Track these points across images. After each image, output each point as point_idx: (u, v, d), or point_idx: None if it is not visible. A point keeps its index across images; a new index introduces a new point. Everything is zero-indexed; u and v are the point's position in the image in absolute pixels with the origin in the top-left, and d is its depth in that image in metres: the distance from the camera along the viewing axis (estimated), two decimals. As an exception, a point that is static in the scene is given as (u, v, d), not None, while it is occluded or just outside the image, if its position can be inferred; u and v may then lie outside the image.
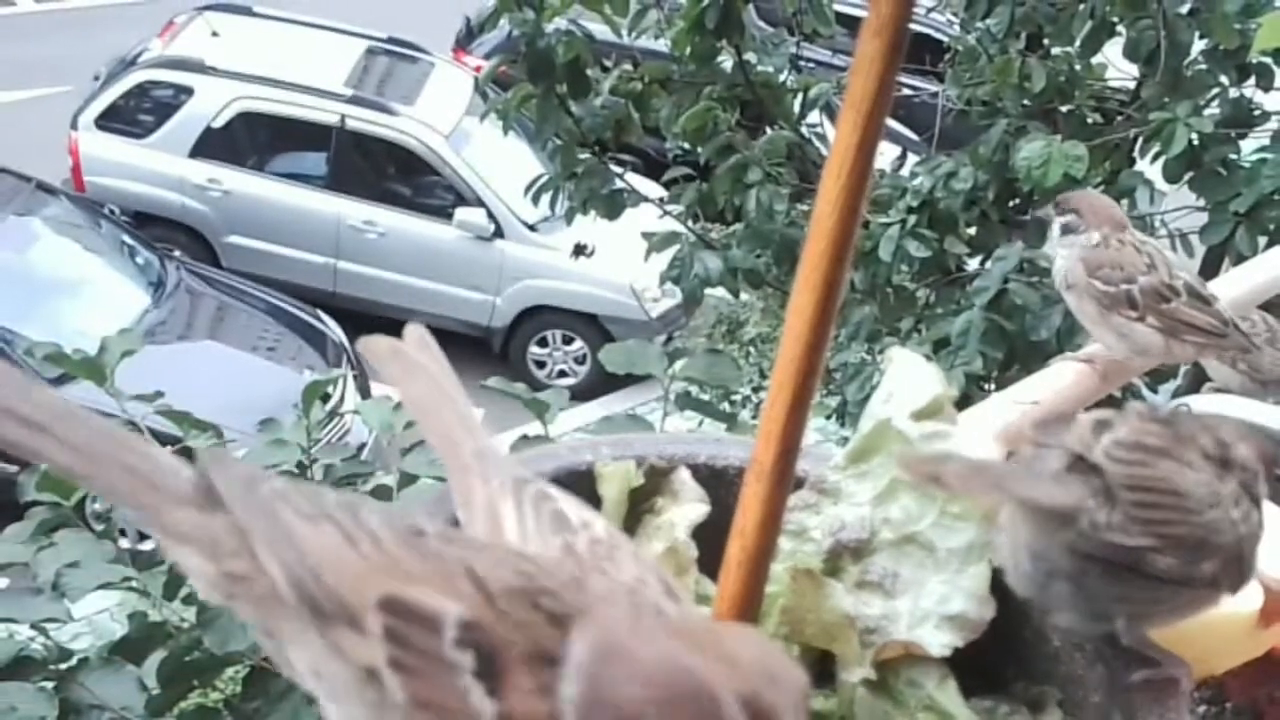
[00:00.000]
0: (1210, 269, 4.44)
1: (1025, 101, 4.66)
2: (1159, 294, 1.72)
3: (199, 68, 9.41)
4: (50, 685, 2.17)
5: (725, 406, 6.18)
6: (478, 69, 6.88)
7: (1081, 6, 4.57)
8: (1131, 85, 4.92)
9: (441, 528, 0.73)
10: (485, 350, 9.33)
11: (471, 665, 0.66)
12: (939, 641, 0.87)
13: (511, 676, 0.66)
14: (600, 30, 4.93)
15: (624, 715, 0.64)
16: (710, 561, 0.87)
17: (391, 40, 10.14)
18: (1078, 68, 4.74)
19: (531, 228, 9.20)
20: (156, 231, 9.19)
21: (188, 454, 2.22)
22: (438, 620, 0.67)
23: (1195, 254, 4.51)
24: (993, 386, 4.11)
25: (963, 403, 2.96)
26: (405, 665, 0.67)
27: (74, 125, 9.43)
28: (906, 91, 5.98)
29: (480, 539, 0.75)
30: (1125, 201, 4.59)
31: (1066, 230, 1.78)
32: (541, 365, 9.45)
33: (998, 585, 0.88)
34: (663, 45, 4.96)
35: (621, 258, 7.98)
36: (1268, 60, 4.51)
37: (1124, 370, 1.80)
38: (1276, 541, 0.94)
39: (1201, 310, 1.73)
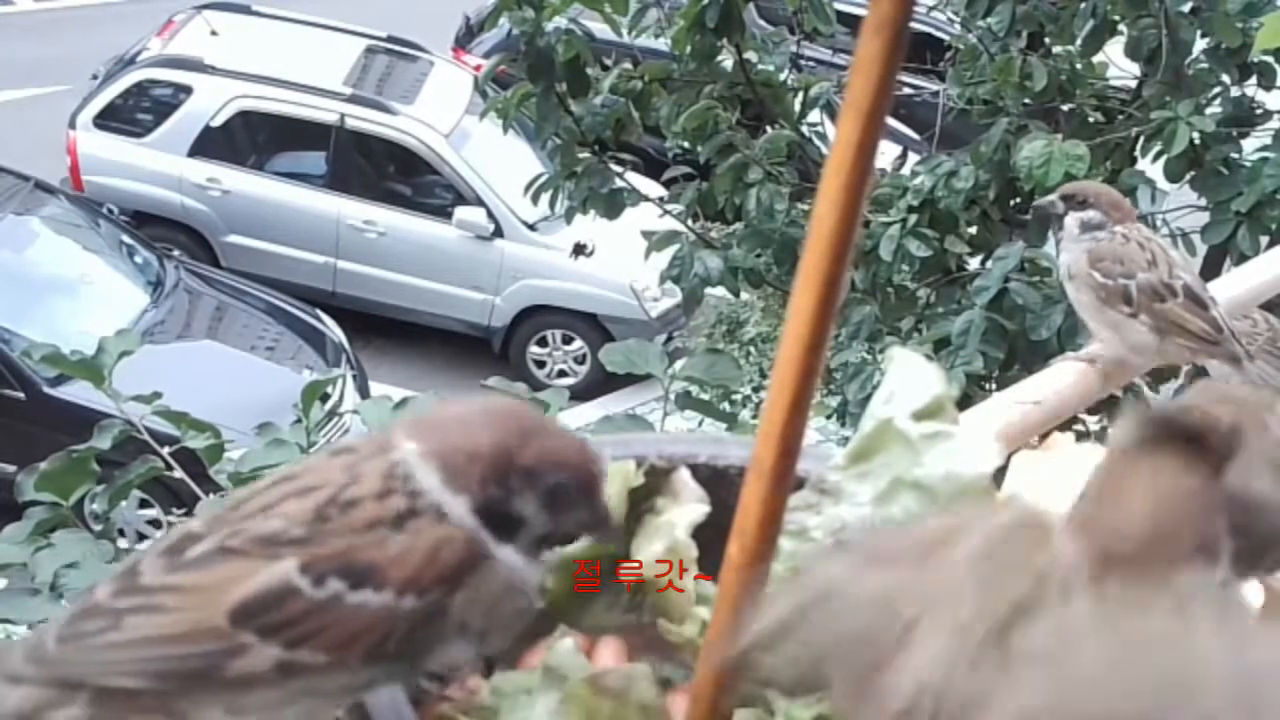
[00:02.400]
0: (1211, 268, 4.44)
1: (1026, 100, 4.66)
2: (1155, 292, 1.72)
3: (198, 67, 9.41)
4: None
5: (725, 406, 6.18)
6: (477, 68, 6.88)
7: (1083, 5, 4.56)
8: (1133, 84, 4.91)
9: (209, 520, 0.76)
10: (485, 350, 9.33)
11: (345, 586, 0.70)
12: (940, 642, 0.86)
13: (376, 567, 0.70)
14: (600, 29, 4.93)
15: (488, 442, 0.73)
16: (710, 561, 0.86)
17: (391, 39, 10.14)
18: (1079, 66, 4.74)
19: (531, 227, 9.20)
20: (155, 231, 9.19)
21: (188, 454, 2.20)
22: (286, 583, 0.71)
23: (1197, 253, 4.50)
24: (993, 386, 4.11)
25: (963, 402, 2.96)
26: (301, 635, 0.71)
27: (72, 124, 9.42)
28: (907, 90, 5.97)
29: (253, 504, 0.77)
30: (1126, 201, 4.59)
31: (1087, 227, 1.77)
32: (541, 365, 9.45)
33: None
34: (663, 44, 4.96)
35: (621, 257, 7.99)
36: (1269, 59, 4.51)
37: (1125, 370, 1.79)
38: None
39: (1196, 314, 1.72)
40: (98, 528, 2.34)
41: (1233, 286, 1.91)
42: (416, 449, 0.75)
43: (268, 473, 0.84)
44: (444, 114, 9.49)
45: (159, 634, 0.72)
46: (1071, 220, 1.78)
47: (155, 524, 7.17)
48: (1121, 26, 4.66)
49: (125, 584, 0.75)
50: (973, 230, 4.71)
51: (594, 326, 9.27)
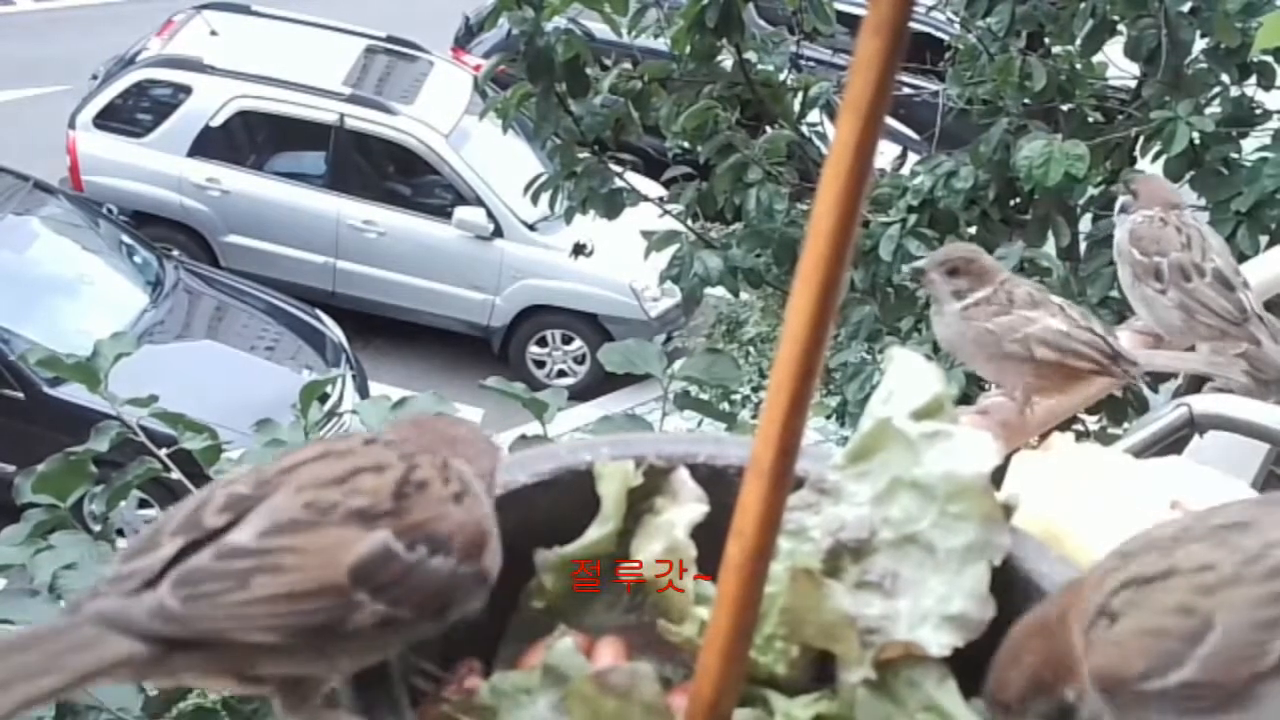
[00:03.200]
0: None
1: (1026, 100, 4.66)
2: (1184, 272, 1.79)
3: (197, 66, 9.41)
4: (48, 686, 2.16)
5: (725, 406, 6.18)
6: (477, 68, 6.88)
7: (1082, 5, 4.57)
8: (1132, 84, 4.92)
9: (254, 478, 0.83)
10: (484, 350, 9.34)
11: (426, 551, 0.82)
12: (939, 642, 0.86)
13: (447, 537, 0.82)
14: (600, 29, 4.93)
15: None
16: (710, 561, 0.86)
17: (390, 39, 10.14)
18: (1079, 66, 4.74)
19: (531, 227, 9.20)
20: (155, 231, 9.19)
21: (186, 455, 2.19)
22: (388, 551, 0.81)
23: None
24: (993, 386, 4.11)
25: (963, 402, 2.96)
26: (399, 595, 0.81)
27: (72, 124, 9.42)
28: (907, 90, 5.97)
29: (302, 474, 0.84)
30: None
31: (1123, 209, 1.89)
32: (541, 365, 9.45)
33: (998, 585, 0.88)
34: (662, 44, 4.96)
35: (621, 257, 7.99)
36: (1269, 59, 4.51)
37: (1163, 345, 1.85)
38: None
39: (1221, 294, 1.77)
40: (96, 529, 2.34)
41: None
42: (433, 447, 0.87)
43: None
44: (444, 114, 9.49)
45: (290, 591, 0.79)
46: (1122, 204, 1.90)
47: (155, 524, 7.16)
48: (1121, 26, 4.66)
49: (221, 546, 0.80)
50: (973, 230, 4.71)
51: (594, 326, 9.27)
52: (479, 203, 9.34)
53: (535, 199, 5.25)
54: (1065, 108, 4.77)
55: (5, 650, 0.76)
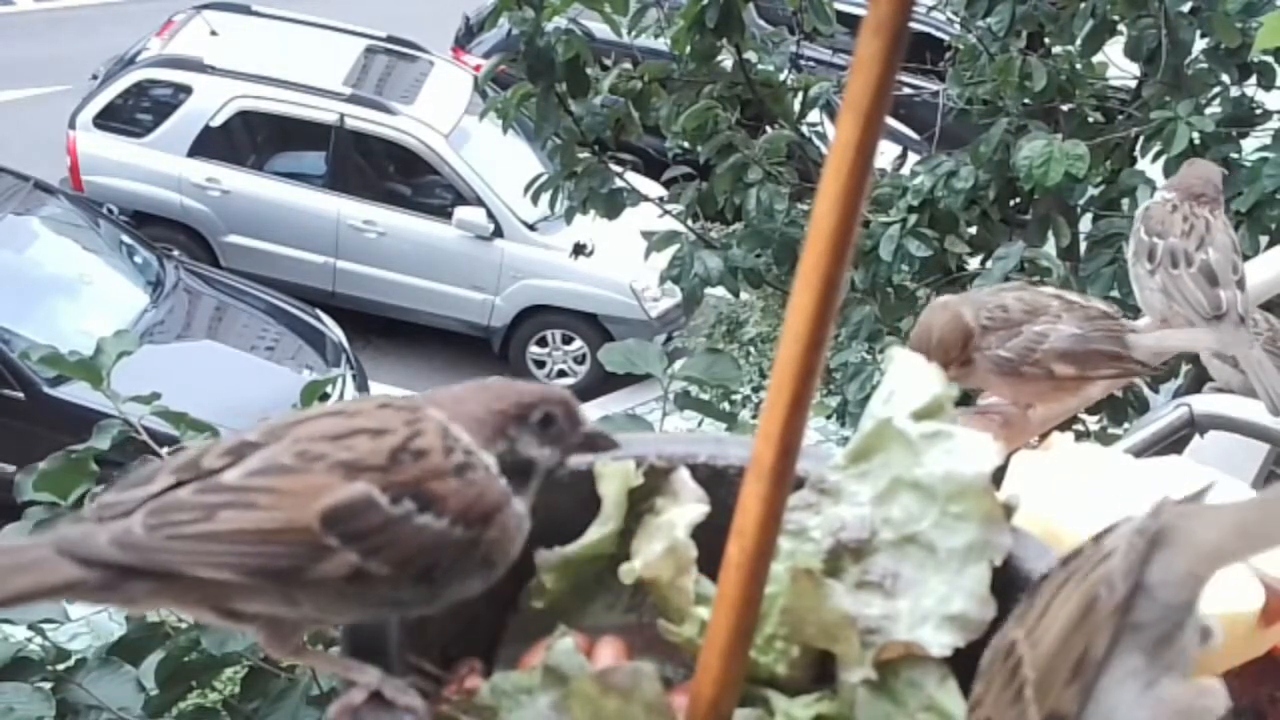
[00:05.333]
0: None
1: (1026, 100, 4.66)
2: (1174, 257, 1.78)
3: (197, 66, 9.41)
4: (48, 686, 2.16)
5: (725, 406, 6.18)
6: (477, 68, 6.88)
7: (1082, 5, 4.56)
8: (1133, 84, 4.91)
9: (263, 429, 0.83)
10: (485, 350, 9.34)
11: (414, 507, 0.80)
12: (939, 642, 0.86)
13: (439, 498, 0.81)
14: (600, 29, 4.93)
15: (484, 408, 0.86)
16: (710, 561, 0.86)
17: (391, 39, 10.14)
18: (1079, 66, 4.74)
19: (531, 227, 9.20)
20: (155, 231, 9.19)
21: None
22: (368, 501, 0.80)
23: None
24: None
25: (963, 402, 2.96)
26: (375, 546, 0.79)
27: (72, 124, 9.42)
28: (907, 90, 5.97)
29: (305, 428, 0.84)
30: (1126, 201, 4.59)
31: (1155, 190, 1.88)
32: (541, 365, 9.45)
33: (998, 585, 0.88)
34: (662, 44, 4.95)
35: (621, 257, 7.98)
36: (1269, 59, 4.51)
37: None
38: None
39: (1201, 288, 1.76)
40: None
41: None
42: (445, 416, 0.85)
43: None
44: (444, 114, 9.49)
45: (254, 528, 0.78)
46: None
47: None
48: (1121, 26, 4.66)
49: (203, 482, 0.80)
50: (973, 230, 4.71)
51: (594, 326, 9.27)
52: (479, 203, 9.34)
53: (535, 199, 5.25)
54: (1065, 108, 4.77)
55: None
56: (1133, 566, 0.76)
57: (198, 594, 0.80)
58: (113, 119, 9.44)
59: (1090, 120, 4.79)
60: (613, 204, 5.04)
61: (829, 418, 5.37)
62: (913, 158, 5.63)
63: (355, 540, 0.79)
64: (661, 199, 5.33)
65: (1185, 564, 0.76)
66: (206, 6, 10.06)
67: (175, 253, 9.03)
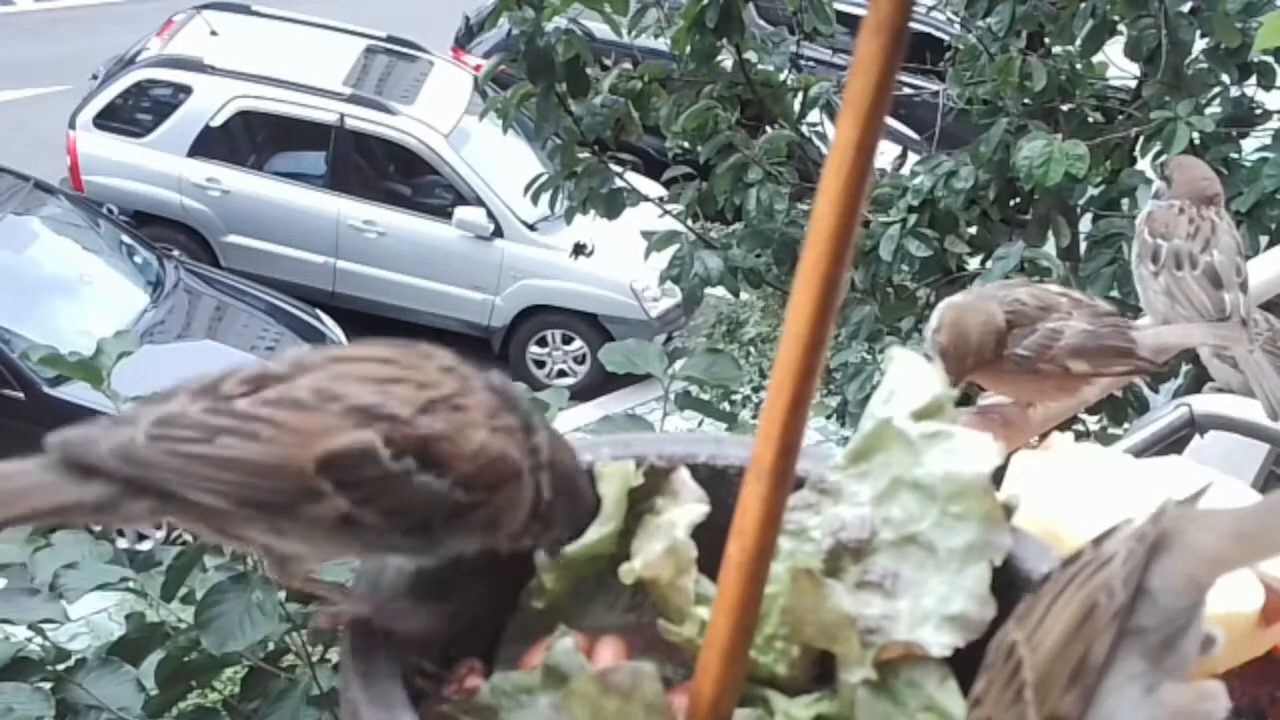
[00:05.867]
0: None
1: (1026, 100, 4.65)
2: (1178, 259, 1.77)
3: (197, 66, 9.41)
4: (48, 686, 2.17)
5: (725, 406, 6.18)
6: (477, 68, 6.88)
7: (1082, 5, 4.56)
8: (1132, 84, 4.91)
9: (283, 362, 0.83)
10: (485, 350, 9.33)
11: (415, 465, 0.79)
12: (940, 642, 0.86)
13: (448, 457, 0.80)
14: (600, 29, 4.93)
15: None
16: (710, 561, 0.86)
17: (391, 39, 10.14)
18: (1079, 66, 4.74)
19: (531, 227, 9.20)
20: (155, 231, 9.19)
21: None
22: (369, 451, 0.79)
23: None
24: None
25: (963, 402, 2.96)
26: (367, 496, 0.79)
27: (72, 124, 9.42)
28: (907, 90, 5.97)
29: (313, 360, 0.83)
30: (1126, 200, 4.59)
31: (1157, 194, 1.87)
32: (541, 365, 9.45)
33: (998, 585, 0.88)
34: (663, 44, 4.95)
35: (621, 257, 7.99)
36: (1269, 59, 4.51)
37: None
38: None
39: (1205, 290, 1.76)
40: (97, 528, 2.34)
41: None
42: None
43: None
44: (444, 114, 9.49)
45: (249, 459, 0.78)
46: (1154, 187, 1.90)
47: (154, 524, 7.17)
48: (1121, 26, 4.66)
49: (214, 403, 0.80)
50: (973, 230, 4.71)
51: (594, 326, 9.27)
52: (479, 203, 9.34)
53: (535, 199, 5.25)
54: (1065, 108, 4.76)
55: None
56: (1133, 573, 0.77)
57: (195, 515, 0.80)
58: (113, 119, 9.44)
59: (1090, 120, 4.79)
60: (613, 204, 5.04)
61: (829, 418, 5.38)
62: (913, 158, 5.63)
63: (348, 488, 0.79)
64: (661, 199, 5.33)
65: (1186, 570, 0.76)
66: (206, 6, 10.06)
67: (175, 253, 9.03)
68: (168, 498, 0.78)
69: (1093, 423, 4.37)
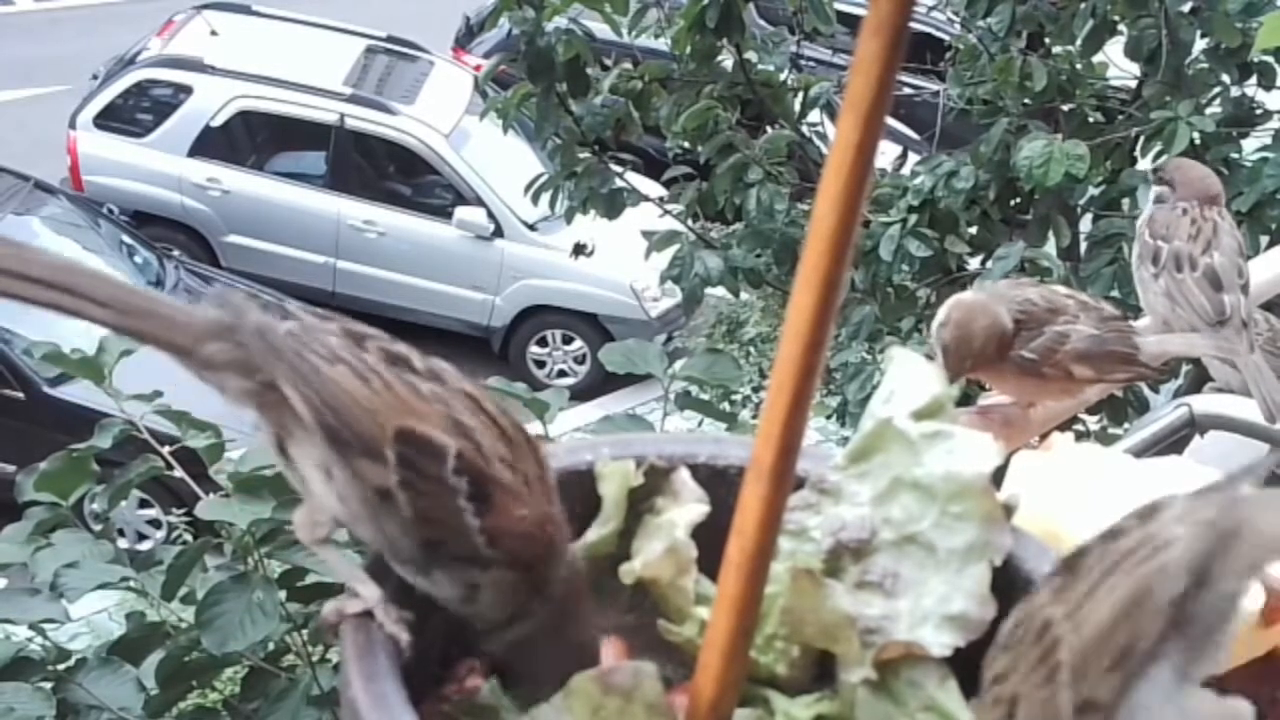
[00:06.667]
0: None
1: (1026, 100, 4.66)
2: (1178, 261, 1.77)
3: (198, 66, 9.41)
4: (48, 686, 2.17)
5: (725, 406, 6.18)
6: (477, 68, 6.88)
7: (1083, 5, 4.56)
8: (1133, 84, 4.91)
9: (424, 363, 0.88)
10: (485, 350, 9.34)
11: (466, 490, 0.83)
12: (940, 642, 0.86)
13: (495, 498, 0.84)
14: (600, 29, 4.93)
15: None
16: (710, 561, 0.86)
17: (391, 39, 10.14)
18: (1079, 66, 4.74)
19: (531, 227, 9.20)
20: (155, 231, 9.19)
21: (188, 453, 2.20)
22: (442, 452, 0.83)
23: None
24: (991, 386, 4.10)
25: (963, 402, 2.96)
26: (414, 487, 0.83)
27: (72, 124, 9.42)
28: (907, 90, 5.98)
29: (448, 377, 0.88)
30: (1126, 200, 4.59)
31: (1159, 200, 1.84)
32: (541, 365, 9.45)
33: (998, 585, 0.88)
34: (663, 44, 4.96)
35: (621, 257, 7.99)
36: (1269, 59, 4.51)
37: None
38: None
39: (1205, 293, 1.75)
40: (97, 528, 2.34)
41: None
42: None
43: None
44: (444, 114, 9.49)
45: (350, 392, 0.84)
46: (1152, 192, 1.87)
47: (155, 524, 7.17)
48: (1121, 26, 4.66)
49: (353, 344, 0.86)
50: (973, 230, 4.71)
51: (594, 326, 9.27)
52: (479, 203, 9.34)
53: (535, 199, 5.25)
54: (1065, 108, 4.76)
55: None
56: (1197, 560, 0.74)
57: (276, 416, 0.85)
58: (113, 119, 9.44)
59: (1090, 120, 4.79)
60: (613, 204, 5.04)
61: (829, 418, 5.38)
62: (913, 158, 5.63)
63: (406, 468, 0.83)
64: (661, 199, 5.33)
65: (1251, 557, 0.74)
66: (206, 6, 10.06)
67: (175, 253, 9.04)
68: (268, 387, 0.84)
69: (1093, 423, 4.38)
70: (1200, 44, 4.62)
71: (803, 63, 5.41)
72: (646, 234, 5.06)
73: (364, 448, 0.83)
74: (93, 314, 0.84)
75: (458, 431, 0.84)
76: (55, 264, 0.84)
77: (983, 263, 4.65)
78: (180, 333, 0.84)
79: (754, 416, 6.37)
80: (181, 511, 4.90)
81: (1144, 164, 4.61)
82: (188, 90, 9.41)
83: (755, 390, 7.92)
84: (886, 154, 6.09)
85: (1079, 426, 4.09)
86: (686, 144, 4.97)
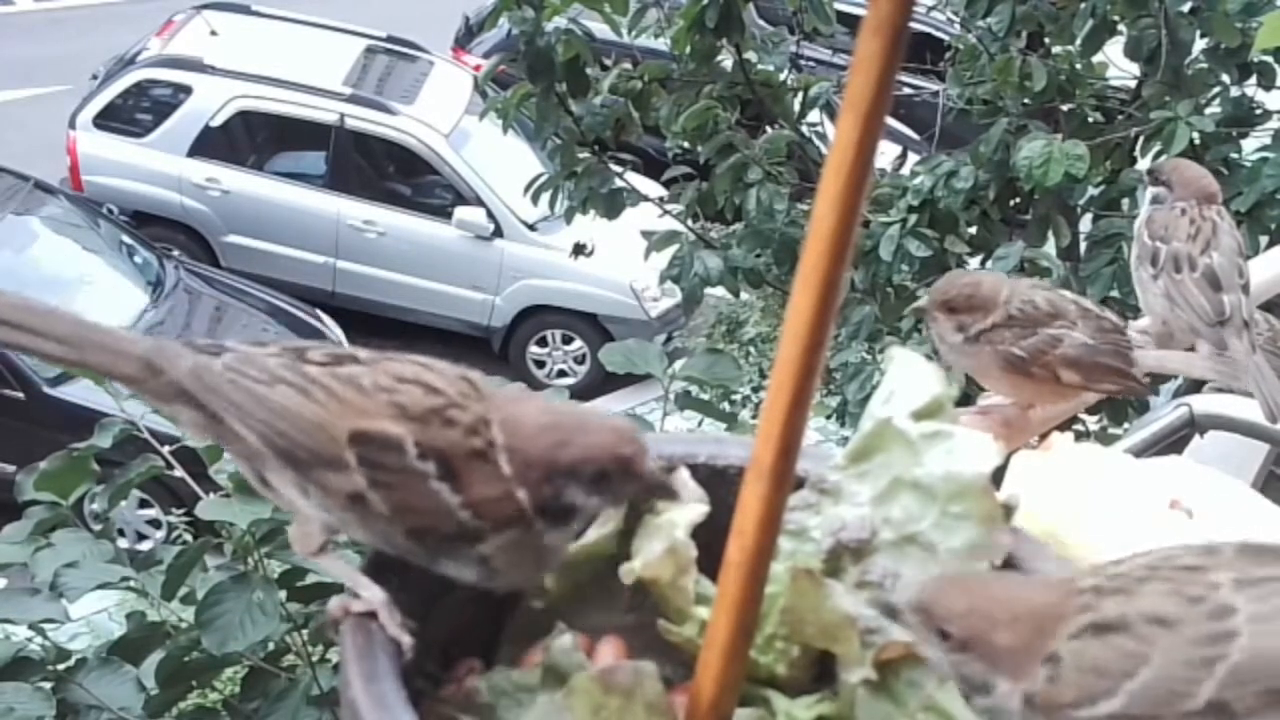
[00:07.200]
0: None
1: (1026, 100, 4.65)
2: (1177, 262, 1.77)
3: (197, 66, 9.41)
4: (48, 686, 2.17)
5: (725, 406, 6.18)
6: (477, 68, 6.88)
7: (1082, 5, 4.56)
8: (1132, 84, 4.91)
9: (368, 354, 0.89)
10: (485, 350, 9.33)
11: (435, 471, 0.84)
12: (940, 642, 0.86)
13: (465, 473, 0.84)
14: (600, 29, 4.93)
15: (541, 450, 0.85)
16: (710, 561, 0.86)
17: (391, 39, 10.14)
18: (1079, 66, 4.74)
19: (531, 227, 9.20)
20: (155, 231, 9.19)
21: (188, 453, 2.19)
22: (399, 442, 0.84)
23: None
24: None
25: (963, 402, 2.96)
26: (383, 483, 0.84)
27: (72, 124, 9.42)
28: (907, 90, 5.97)
29: (391, 365, 0.88)
30: (1126, 201, 4.59)
31: (1156, 200, 1.84)
32: (541, 365, 9.45)
33: (999, 586, 0.88)
34: (663, 44, 4.96)
35: (621, 257, 7.99)
36: (1269, 59, 4.51)
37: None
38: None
39: (1204, 293, 1.75)
40: (97, 528, 2.34)
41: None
42: (501, 418, 0.87)
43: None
44: (444, 114, 9.49)
45: (294, 411, 0.84)
46: (1148, 193, 1.87)
47: (155, 524, 7.17)
48: (1121, 26, 4.66)
49: (293, 360, 0.87)
50: (973, 230, 4.71)
51: (594, 326, 9.27)
52: (479, 203, 9.34)
53: (535, 199, 5.25)
54: (1065, 108, 4.76)
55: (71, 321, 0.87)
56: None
57: (236, 448, 0.87)
58: (113, 119, 9.44)
59: (1090, 120, 4.79)
60: (613, 204, 5.04)
61: (829, 418, 5.37)
62: (913, 158, 5.63)
63: (369, 467, 0.84)
64: (661, 199, 5.33)
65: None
66: (206, 6, 10.06)
67: (175, 253, 9.03)
68: (214, 421, 0.86)
69: (1093, 423, 4.37)
70: (1200, 44, 4.62)
71: (802, 63, 5.41)
72: (646, 234, 5.06)
73: (323, 460, 0.84)
74: (50, 351, 0.86)
75: (409, 417, 0.85)
76: (12, 303, 0.87)
77: (982, 263, 4.65)
78: (133, 366, 0.87)
79: (754, 416, 6.37)
80: (181, 511, 4.90)
81: (1144, 164, 4.61)
82: (187, 90, 9.41)
83: (755, 390, 7.92)
84: (886, 154, 6.09)
85: (1079, 426, 4.09)
86: (686, 144, 4.97)
